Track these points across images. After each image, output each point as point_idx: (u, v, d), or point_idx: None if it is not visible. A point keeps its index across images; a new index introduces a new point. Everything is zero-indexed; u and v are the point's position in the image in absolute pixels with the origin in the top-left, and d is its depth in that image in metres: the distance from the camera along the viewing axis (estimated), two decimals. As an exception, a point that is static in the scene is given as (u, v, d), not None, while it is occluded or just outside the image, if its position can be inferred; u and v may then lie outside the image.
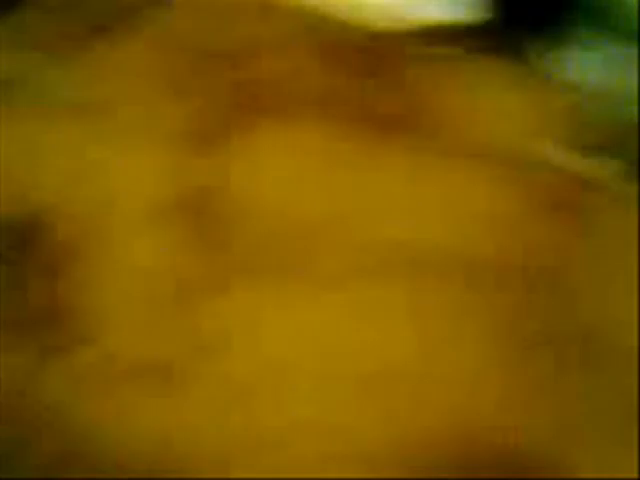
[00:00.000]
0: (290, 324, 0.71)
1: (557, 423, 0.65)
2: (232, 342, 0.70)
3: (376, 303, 0.70)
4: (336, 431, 0.65)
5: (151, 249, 0.75)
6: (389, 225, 0.75)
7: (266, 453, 0.65)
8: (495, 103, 0.84)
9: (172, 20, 0.88)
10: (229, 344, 0.70)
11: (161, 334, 0.70)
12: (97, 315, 0.71)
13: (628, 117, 0.86)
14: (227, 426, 0.66)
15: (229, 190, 0.77)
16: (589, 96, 0.85)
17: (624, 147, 0.84)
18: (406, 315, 0.70)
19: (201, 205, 0.76)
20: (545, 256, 0.72)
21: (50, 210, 0.75)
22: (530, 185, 0.77)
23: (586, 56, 0.90)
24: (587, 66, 0.89)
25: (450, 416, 0.64)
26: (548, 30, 0.93)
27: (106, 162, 0.78)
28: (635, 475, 0.64)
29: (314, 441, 0.65)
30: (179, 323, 0.71)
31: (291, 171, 0.77)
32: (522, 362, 0.67)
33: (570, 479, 0.64)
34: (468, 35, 0.92)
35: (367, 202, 0.77)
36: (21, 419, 0.66)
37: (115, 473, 0.64)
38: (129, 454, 0.65)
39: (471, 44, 0.91)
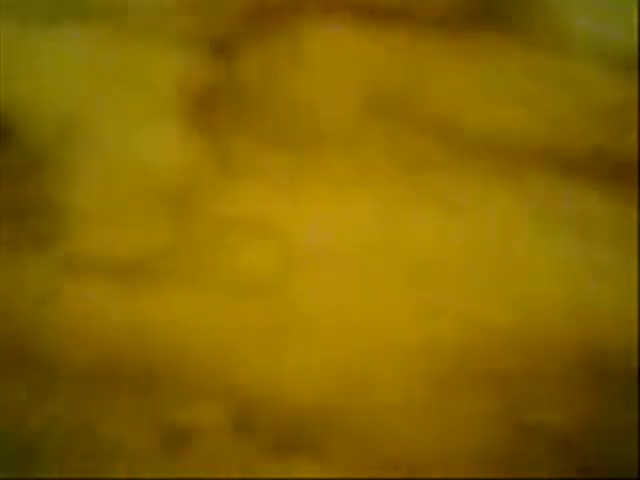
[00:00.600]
0: (312, 220, 0.69)
1: None
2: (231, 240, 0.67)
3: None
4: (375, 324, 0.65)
5: (151, 145, 0.71)
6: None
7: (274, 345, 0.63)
8: None
9: None
10: (229, 238, 0.67)
11: (146, 233, 0.67)
12: (83, 209, 0.67)
13: None
14: (219, 323, 0.63)
15: (238, 89, 0.75)
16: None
17: None
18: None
19: (210, 104, 0.74)
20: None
21: (40, 102, 0.72)
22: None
23: None
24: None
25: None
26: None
27: (111, 61, 0.75)
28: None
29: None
30: (170, 222, 0.68)
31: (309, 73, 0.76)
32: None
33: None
34: None
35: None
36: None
37: (72, 370, 0.61)
38: (93, 352, 0.62)
39: None
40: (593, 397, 0.64)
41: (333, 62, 0.78)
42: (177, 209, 0.69)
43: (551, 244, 0.71)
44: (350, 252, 0.68)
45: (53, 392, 0.60)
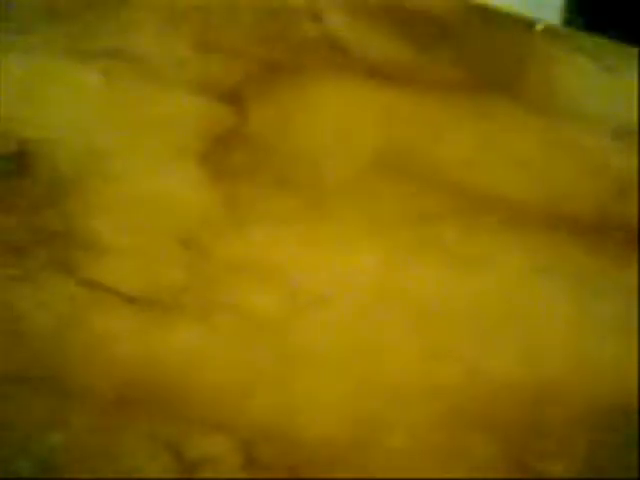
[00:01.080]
0: (319, 266, 0.70)
1: None
2: (241, 277, 0.69)
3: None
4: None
5: (168, 185, 0.73)
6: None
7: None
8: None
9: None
10: (239, 280, 0.69)
11: (162, 267, 0.69)
12: (104, 240, 0.69)
13: None
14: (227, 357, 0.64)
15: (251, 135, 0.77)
16: None
17: None
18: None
19: (224, 150, 0.76)
20: None
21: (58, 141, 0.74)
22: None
23: None
24: None
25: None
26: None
27: (129, 105, 0.78)
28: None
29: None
30: (185, 256, 0.70)
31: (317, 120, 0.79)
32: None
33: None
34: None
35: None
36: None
37: (85, 396, 0.62)
38: (109, 377, 0.63)
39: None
40: (595, 449, 0.64)
41: (341, 116, 0.80)
42: (191, 247, 0.70)
43: (554, 299, 0.72)
44: (355, 297, 0.69)
45: (69, 414, 0.60)
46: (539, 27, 0.91)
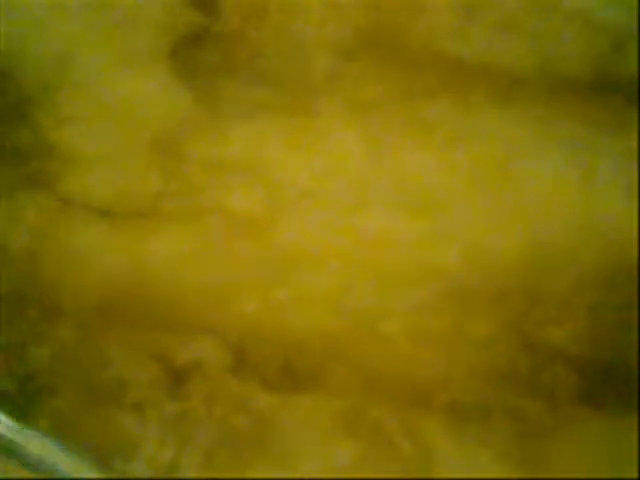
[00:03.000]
0: (303, 161, 0.68)
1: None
2: (229, 181, 0.67)
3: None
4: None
5: (140, 88, 0.71)
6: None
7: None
8: None
9: None
10: (219, 180, 0.66)
11: (137, 174, 0.67)
12: (76, 152, 0.67)
13: None
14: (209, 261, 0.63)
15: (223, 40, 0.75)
16: None
17: None
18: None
19: (196, 48, 0.73)
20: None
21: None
22: None
23: None
24: None
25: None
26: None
27: (91, 8, 0.75)
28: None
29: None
30: (164, 165, 0.68)
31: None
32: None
33: None
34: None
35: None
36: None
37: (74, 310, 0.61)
38: (91, 290, 0.61)
39: None
40: (597, 310, 0.62)
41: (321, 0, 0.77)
42: (167, 150, 0.68)
43: (554, 164, 0.69)
44: (341, 187, 0.67)
45: (54, 330, 0.59)
46: None
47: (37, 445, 0.57)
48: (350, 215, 0.66)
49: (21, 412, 0.58)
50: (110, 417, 0.58)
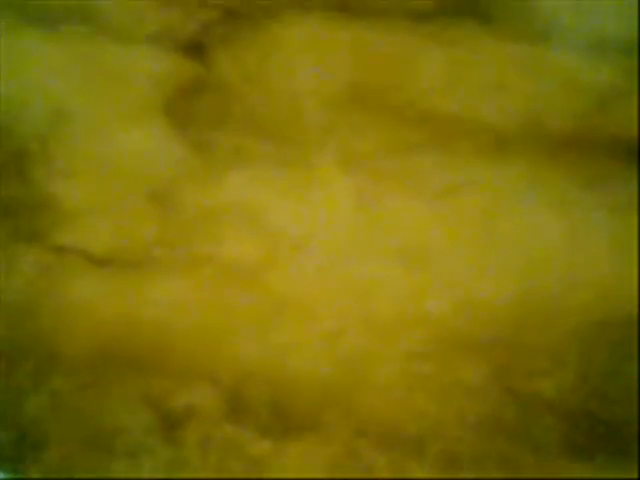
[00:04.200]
0: (296, 210, 0.69)
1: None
2: (223, 228, 0.68)
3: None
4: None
5: (135, 140, 0.72)
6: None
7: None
8: None
9: None
10: (214, 228, 0.68)
11: (133, 224, 0.68)
12: (71, 204, 0.68)
13: None
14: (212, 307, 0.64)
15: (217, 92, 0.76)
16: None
17: None
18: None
19: (190, 99, 0.75)
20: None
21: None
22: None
23: None
24: None
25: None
26: None
27: (88, 63, 0.76)
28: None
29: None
30: (160, 214, 0.69)
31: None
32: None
33: None
34: None
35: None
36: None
37: (70, 361, 0.61)
38: (86, 339, 0.62)
39: None
40: (586, 363, 0.63)
41: (312, 54, 0.78)
42: (163, 200, 0.69)
43: (541, 218, 0.71)
44: (334, 237, 0.68)
45: (49, 379, 0.60)
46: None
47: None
48: (342, 263, 0.67)
49: (15, 462, 0.58)
50: (104, 464, 0.58)
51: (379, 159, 0.73)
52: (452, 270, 0.67)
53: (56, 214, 0.67)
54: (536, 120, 0.76)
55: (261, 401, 0.60)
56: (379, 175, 0.72)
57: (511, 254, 0.69)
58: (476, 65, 0.79)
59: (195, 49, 0.77)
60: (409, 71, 0.79)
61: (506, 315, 0.65)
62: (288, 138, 0.73)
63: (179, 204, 0.69)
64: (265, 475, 0.58)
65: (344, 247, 0.68)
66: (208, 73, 0.76)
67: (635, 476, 0.61)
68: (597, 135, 0.75)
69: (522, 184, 0.72)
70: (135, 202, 0.69)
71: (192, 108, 0.74)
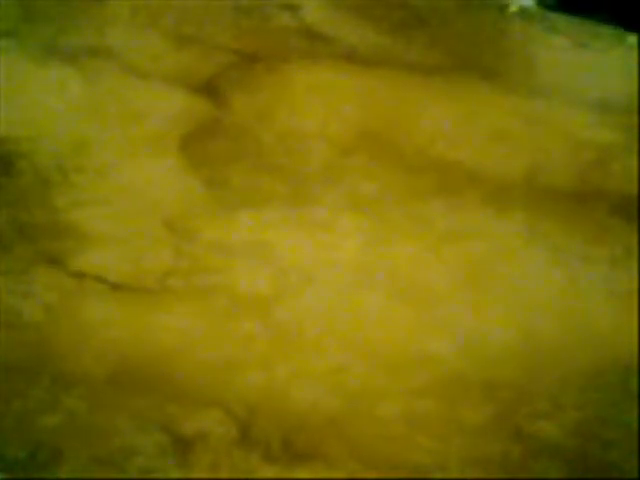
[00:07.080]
0: (305, 246, 0.71)
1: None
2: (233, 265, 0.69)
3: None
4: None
5: (149, 174, 0.74)
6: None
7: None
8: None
9: None
10: (225, 261, 0.69)
11: (148, 252, 0.70)
12: (90, 232, 0.70)
13: None
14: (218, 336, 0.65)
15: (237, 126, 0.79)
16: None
17: None
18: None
19: (206, 139, 0.77)
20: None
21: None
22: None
23: None
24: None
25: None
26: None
27: (108, 100, 0.79)
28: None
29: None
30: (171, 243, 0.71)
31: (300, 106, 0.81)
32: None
33: None
34: None
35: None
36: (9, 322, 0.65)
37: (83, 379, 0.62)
38: (101, 362, 0.63)
39: None
40: (585, 408, 0.65)
41: (322, 101, 0.81)
42: (178, 232, 0.71)
43: (541, 267, 0.73)
44: (341, 274, 0.70)
45: (64, 398, 0.61)
46: (513, 9, 0.92)
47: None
48: (348, 299, 0.69)
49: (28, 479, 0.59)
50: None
51: (385, 203, 0.75)
52: (454, 312, 0.69)
53: (75, 240, 0.69)
54: (538, 172, 0.78)
55: (270, 429, 0.61)
56: (385, 218, 0.74)
57: (511, 299, 0.71)
58: (480, 116, 0.82)
59: (211, 90, 0.80)
60: (416, 120, 0.81)
61: (507, 357, 0.67)
62: (298, 178, 0.75)
63: (193, 236, 0.71)
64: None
65: (350, 285, 0.70)
66: (222, 113, 0.79)
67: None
68: (597, 190, 0.78)
69: (523, 233, 0.75)
70: (151, 232, 0.70)
71: (206, 146, 0.77)
